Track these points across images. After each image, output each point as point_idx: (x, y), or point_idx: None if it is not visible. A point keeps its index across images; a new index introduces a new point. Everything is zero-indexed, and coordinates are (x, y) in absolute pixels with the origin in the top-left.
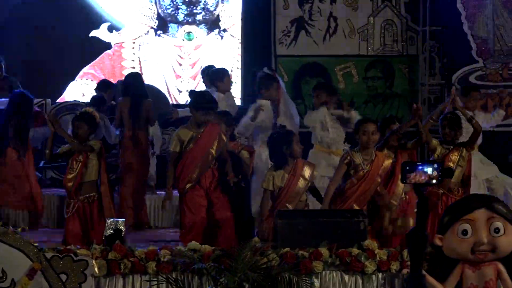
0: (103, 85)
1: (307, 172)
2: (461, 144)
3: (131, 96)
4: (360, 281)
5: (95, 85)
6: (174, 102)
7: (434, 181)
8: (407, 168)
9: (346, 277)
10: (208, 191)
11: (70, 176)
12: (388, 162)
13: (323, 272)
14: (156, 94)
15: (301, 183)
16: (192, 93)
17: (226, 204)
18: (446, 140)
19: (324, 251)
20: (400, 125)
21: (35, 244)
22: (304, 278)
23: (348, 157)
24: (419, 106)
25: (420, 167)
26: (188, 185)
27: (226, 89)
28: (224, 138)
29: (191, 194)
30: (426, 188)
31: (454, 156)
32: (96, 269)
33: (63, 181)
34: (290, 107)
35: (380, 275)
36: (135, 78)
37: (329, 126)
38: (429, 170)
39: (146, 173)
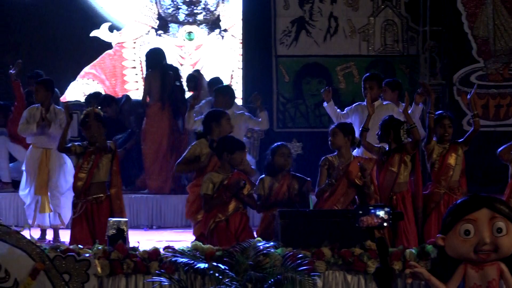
0: (107, 100)
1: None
2: (457, 143)
3: (159, 68)
4: (362, 281)
5: (95, 85)
6: None
7: (385, 224)
8: (360, 212)
9: (349, 277)
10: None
11: (81, 176)
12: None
13: (326, 272)
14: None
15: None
16: (225, 138)
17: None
18: (443, 140)
19: (326, 251)
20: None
21: (38, 244)
22: (307, 278)
23: (327, 162)
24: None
25: (372, 211)
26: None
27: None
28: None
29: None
30: (428, 187)
31: (453, 156)
32: (98, 269)
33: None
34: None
35: None
36: (160, 53)
37: None
38: (381, 213)
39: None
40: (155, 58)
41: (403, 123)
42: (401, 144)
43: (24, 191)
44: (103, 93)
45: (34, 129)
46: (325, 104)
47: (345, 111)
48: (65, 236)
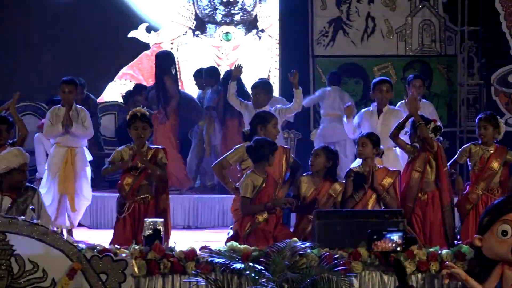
0: (138, 89)
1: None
2: (505, 150)
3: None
4: None
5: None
6: None
7: (399, 248)
8: (374, 237)
9: (385, 277)
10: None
11: (129, 177)
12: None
13: (362, 273)
14: (188, 102)
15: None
16: (261, 141)
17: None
18: (482, 141)
19: (363, 251)
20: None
21: (75, 244)
22: (343, 278)
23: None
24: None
25: (386, 235)
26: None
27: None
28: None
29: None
30: (466, 187)
31: (498, 160)
32: (135, 269)
33: (119, 183)
34: None
35: (419, 275)
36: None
37: None
38: (395, 237)
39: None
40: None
41: (429, 122)
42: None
43: (44, 189)
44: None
45: (60, 129)
46: (345, 120)
47: (357, 122)
48: (78, 235)
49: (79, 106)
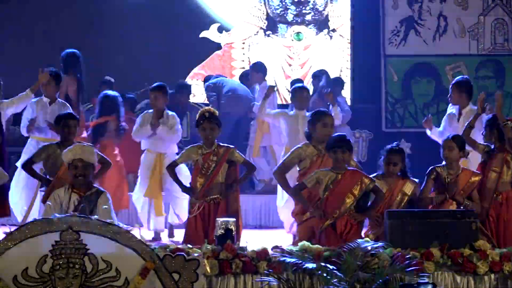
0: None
1: None
2: None
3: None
4: (472, 282)
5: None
6: (284, 102)
7: None
8: None
9: (458, 277)
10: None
11: (200, 177)
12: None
13: (435, 273)
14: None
15: None
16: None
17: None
18: None
19: (435, 251)
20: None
21: (148, 244)
22: (415, 278)
23: (435, 173)
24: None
25: None
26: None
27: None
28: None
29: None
30: None
31: None
32: (208, 268)
33: (191, 181)
34: None
35: (492, 276)
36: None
37: None
38: None
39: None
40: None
41: (507, 121)
42: (504, 144)
43: (136, 195)
44: None
45: (149, 130)
46: (428, 133)
47: (442, 127)
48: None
49: (169, 112)
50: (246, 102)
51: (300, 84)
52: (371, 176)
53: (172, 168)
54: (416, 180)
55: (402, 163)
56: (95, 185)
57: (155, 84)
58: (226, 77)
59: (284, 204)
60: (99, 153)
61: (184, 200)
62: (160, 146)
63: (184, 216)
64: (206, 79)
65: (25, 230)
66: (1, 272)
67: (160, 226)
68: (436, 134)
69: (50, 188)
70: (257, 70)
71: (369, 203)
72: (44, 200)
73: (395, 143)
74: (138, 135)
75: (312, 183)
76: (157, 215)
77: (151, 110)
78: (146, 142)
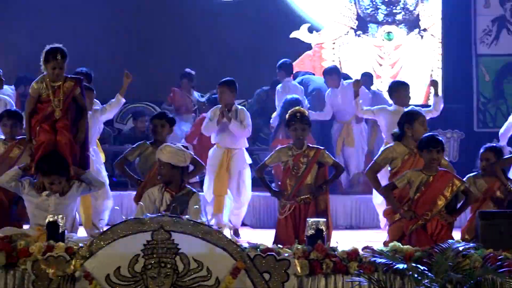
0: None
1: None
2: None
3: None
4: None
5: None
6: None
7: None
8: None
9: None
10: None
11: (291, 178)
12: None
13: None
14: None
15: None
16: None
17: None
18: None
19: None
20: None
21: (238, 244)
22: (508, 280)
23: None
24: None
25: None
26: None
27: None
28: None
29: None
30: None
31: None
32: (298, 268)
33: (280, 184)
34: None
35: None
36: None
37: None
38: None
39: None
40: None
41: None
42: None
43: (205, 191)
44: None
45: (216, 125)
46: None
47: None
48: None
49: (239, 107)
50: None
51: (401, 81)
52: (470, 175)
53: (261, 170)
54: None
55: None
56: (187, 185)
57: (222, 80)
58: (314, 75)
59: (381, 201)
60: (193, 155)
61: (239, 204)
62: (229, 141)
63: (237, 222)
64: (295, 76)
65: (117, 230)
66: (94, 271)
67: (236, 222)
68: None
69: (142, 187)
70: (280, 68)
71: (459, 205)
72: (136, 200)
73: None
74: (207, 130)
75: (402, 184)
76: (216, 212)
77: (219, 105)
78: (216, 137)
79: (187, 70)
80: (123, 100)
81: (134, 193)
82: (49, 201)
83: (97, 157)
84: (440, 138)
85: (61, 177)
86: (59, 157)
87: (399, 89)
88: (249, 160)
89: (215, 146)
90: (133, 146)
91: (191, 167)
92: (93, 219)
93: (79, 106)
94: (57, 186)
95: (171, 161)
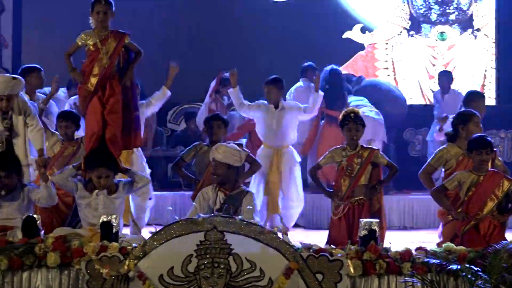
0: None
1: None
2: None
3: None
4: None
5: None
6: (427, 103)
7: None
8: None
9: None
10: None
11: (345, 179)
12: None
13: None
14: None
15: None
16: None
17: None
18: None
19: None
20: None
21: (291, 244)
22: None
23: None
24: None
25: None
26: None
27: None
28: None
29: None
30: None
31: None
32: (351, 269)
33: (335, 184)
34: None
35: None
36: None
37: None
38: None
39: None
40: None
41: None
42: None
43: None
44: None
45: (243, 102)
46: None
47: None
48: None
49: (287, 103)
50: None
51: (479, 92)
52: None
53: (315, 171)
54: None
55: None
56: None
57: (269, 77)
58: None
59: None
60: (249, 153)
61: (292, 204)
62: (279, 139)
63: (289, 222)
64: (359, 80)
65: (170, 230)
66: (148, 271)
67: (277, 223)
68: None
69: (199, 187)
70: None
71: (510, 205)
72: (193, 199)
73: None
74: (244, 110)
75: (453, 185)
76: (272, 212)
77: (266, 102)
78: (264, 136)
79: (226, 74)
80: (169, 93)
81: (188, 193)
82: (99, 199)
83: (142, 154)
84: (489, 139)
85: (109, 170)
86: (106, 151)
87: (479, 101)
88: (298, 158)
89: (262, 146)
90: (189, 147)
91: (247, 166)
92: (135, 218)
93: (129, 57)
94: (105, 180)
95: (227, 161)
